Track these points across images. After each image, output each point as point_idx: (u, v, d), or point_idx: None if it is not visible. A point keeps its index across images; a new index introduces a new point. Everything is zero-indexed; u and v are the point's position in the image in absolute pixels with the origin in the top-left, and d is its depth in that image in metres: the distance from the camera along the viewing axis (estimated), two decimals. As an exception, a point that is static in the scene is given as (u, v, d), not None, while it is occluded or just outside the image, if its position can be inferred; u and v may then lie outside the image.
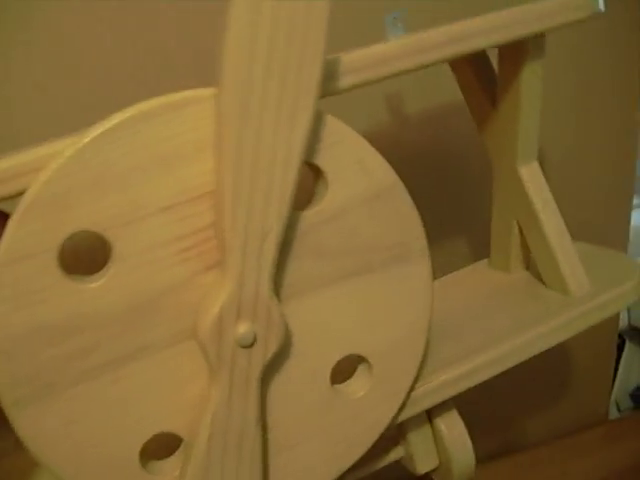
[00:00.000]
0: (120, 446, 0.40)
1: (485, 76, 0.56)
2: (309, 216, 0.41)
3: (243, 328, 0.38)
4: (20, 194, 0.38)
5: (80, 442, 0.39)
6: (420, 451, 0.57)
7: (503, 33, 0.46)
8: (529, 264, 0.63)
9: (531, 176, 0.56)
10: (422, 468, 0.58)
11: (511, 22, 0.46)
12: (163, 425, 0.41)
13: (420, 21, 0.58)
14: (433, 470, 0.59)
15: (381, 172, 0.42)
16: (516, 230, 0.60)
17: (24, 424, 0.38)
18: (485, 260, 0.67)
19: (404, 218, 0.44)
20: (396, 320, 0.45)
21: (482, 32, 0.45)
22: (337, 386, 0.45)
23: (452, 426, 0.55)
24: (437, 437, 0.57)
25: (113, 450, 0.40)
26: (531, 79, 0.51)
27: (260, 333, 0.39)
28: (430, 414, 0.54)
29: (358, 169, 0.42)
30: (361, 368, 0.46)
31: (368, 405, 0.45)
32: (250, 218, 0.37)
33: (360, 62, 0.42)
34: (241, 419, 0.40)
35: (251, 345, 0.39)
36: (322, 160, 0.40)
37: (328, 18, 0.37)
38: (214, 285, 0.39)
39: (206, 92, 0.38)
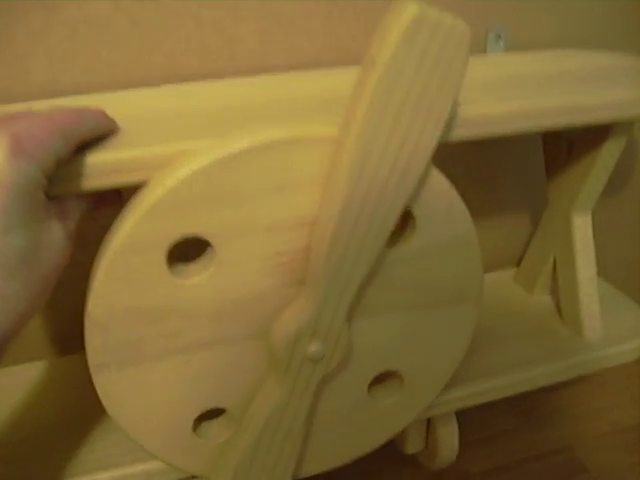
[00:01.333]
0: (179, 414, 0.45)
1: (567, 134, 0.58)
2: (392, 253, 0.44)
3: (315, 347, 0.43)
4: (139, 185, 0.40)
5: (147, 407, 0.44)
6: (412, 435, 0.64)
7: (611, 113, 0.48)
8: (551, 289, 0.67)
9: (582, 226, 0.59)
10: (410, 449, 0.65)
11: (618, 104, 0.48)
12: (219, 402, 0.46)
13: (520, 38, 0.60)
14: (419, 451, 0.66)
15: (462, 220, 0.46)
16: (551, 263, 0.64)
17: (104, 385, 0.43)
18: (511, 272, 0.71)
19: (471, 265, 0.47)
20: (437, 349, 0.50)
21: (597, 109, 0.47)
22: (371, 394, 0.50)
23: (446, 422, 0.62)
24: (430, 427, 0.64)
25: (173, 417, 0.45)
26: (613, 149, 0.54)
27: (327, 352, 0.44)
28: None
29: (445, 217, 0.45)
30: (394, 381, 0.51)
31: (393, 411, 0.51)
32: (345, 256, 0.41)
33: (476, 119, 0.44)
34: (293, 416, 0.45)
35: (317, 361, 0.43)
36: (416, 206, 0.43)
37: (457, 92, 0.39)
38: (296, 298, 0.43)
39: (331, 132, 0.40)
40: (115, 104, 0.48)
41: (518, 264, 0.72)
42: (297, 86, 0.54)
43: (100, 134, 0.40)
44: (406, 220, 0.44)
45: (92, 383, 0.43)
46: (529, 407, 0.76)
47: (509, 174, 0.71)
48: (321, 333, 0.43)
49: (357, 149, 0.38)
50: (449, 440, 0.64)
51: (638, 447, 0.75)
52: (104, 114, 0.42)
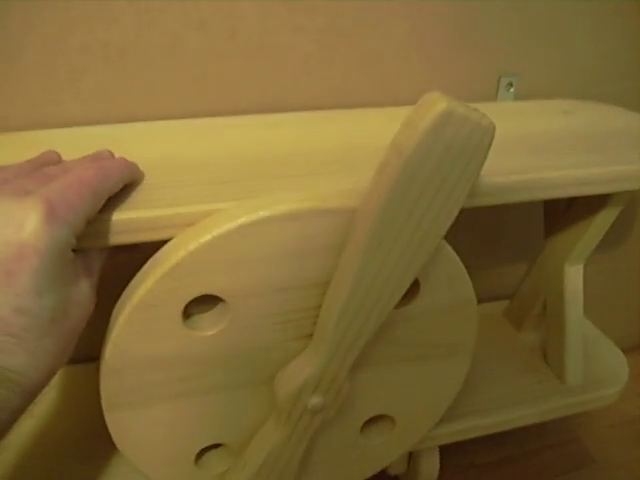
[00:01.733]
0: (183, 449, 0.48)
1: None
2: (395, 313, 0.46)
3: (316, 400, 0.45)
4: (164, 241, 0.42)
5: (154, 442, 0.47)
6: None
7: (612, 186, 0.50)
8: (537, 327, 0.71)
9: (574, 276, 0.62)
10: (393, 471, 0.69)
11: (620, 179, 0.50)
12: (220, 439, 0.49)
13: (534, 88, 0.61)
14: (402, 474, 0.70)
15: (463, 288, 0.48)
16: (540, 304, 0.67)
17: (115, 422, 0.45)
18: (502, 304, 0.74)
19: (467, 325, 0.50)
20: (428, 396, 0.53)
21: (602, 182, 0.49)
22: (363, 433, 0.53)
23: (429, 453, 0.66)
24: (413, 454, 0.68)
25: (177, 451, 0.48)
26: (610, 212, 0.56)
27: (327, 404, 0.46)
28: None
29: (447, 282, 0.47)
30: (385, 422, 0.54)
31: (383, 449, 0.55)
32: (355, 318, 0.43)
33: (485, 190, 0.46)
34: (289, 457, 0.48)
35: (317, 412, 0.46)
36: (421, 274, 0.45)
37: (475, 180, 0.41)
38: (301, 350, 0.46)
39: (348, 204, 0.42)
40: (132, 142, 0.50)
41: (509, 298, 0.75)
42: (315, 132, 0.55)
43: (126, 183, 0.42)
44: (412, 284, 0.46)
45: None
46: None
47: (505, 214, 0.73)
48: (323, 387, 0.45)
49: (377, 226, 0.39)
50: (430, 470, 0.67)
51: (644, 438, 0.78)
52: (128, 165, 0.43)
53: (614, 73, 0.69)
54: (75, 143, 0.51)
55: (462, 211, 0.43)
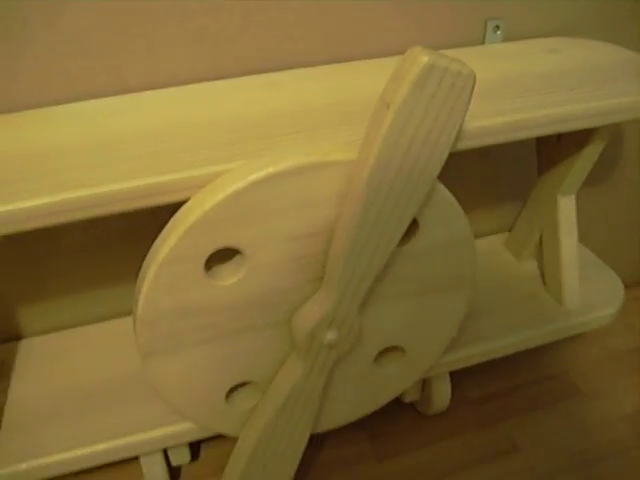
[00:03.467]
0: (214, 389, 0.53)
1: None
2: (398, 251, 0.51)
3: (331, 335, 0.50)
4: (181, 203, 0.46)
5: (187, 385, 0.52)
6: (409, 388, 0.73)
7: (596, 121, 0.53)
8: (536, 256, 0.75)
9: (567, 207, 0.66)
10: (407, 399, 0.74)
11: (602, 113, 0.53)
12: (247, 377, 0.54)
13: (521, 29, 0.64)
14: (415, 400, 0.75)
15: (460, 226, 0.52)
16: (537, 236, 0.71)
17: (152, 369, 0.50)
18: (502, 237, 0.78)
19: (467, 260, 0.54)
20: (435, 327, 0.57)
21: (580, 119, 0.53)
22: (377, 364, 0.58)
23: (441, 379, 0.71)
24: (425, 382, 0.73)
25: (209, 392, 0.53)
26: (597, 144, 0.59)
27: (341, 338, 0.51)
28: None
29: (445, 223, 0.51)
30: (396, 353, 0.59)
31: (395, 378, 0.60)
32: (360, 260, 0.47)
33: (475, 132, 0.50)
34: (311, 389, 0.53)
35: (333, 347, 0.51)
36: (420, 216, 0.49)
37: (460, 126, 0.44)
38: (314, 292, 0.50)
39: (347, 156, 0.46)
40: (138, 112, 0.53)
41: (509, 230, 0.79)
42: (311, 88, 0.58)
43: None
44: (411, 223, 0.50)
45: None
46: None
47: (501, 154, 0.76)
48: (337, 323, 0.50)
49: (373, 174, 0.43)
50: (442, 395, 0.73)
51: (631, 371, 0.84)
52: None
53: (600, 11, 0.70)
54: (81, 117, 0.54)
55: (460, 155, 0.47)
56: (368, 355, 0.57)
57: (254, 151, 0.47)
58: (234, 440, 0.59)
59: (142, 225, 0.65)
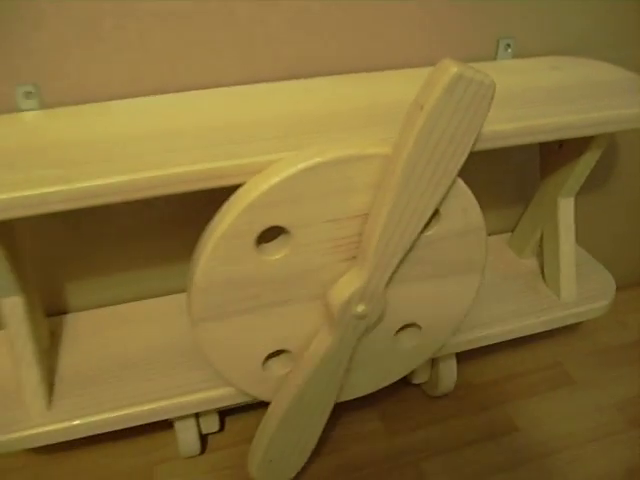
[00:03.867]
0: (254, 355, 0.60)
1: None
2: (421, 237, 0.58)
3: (361, 308, 0.57)
4: (236, 187, 0.53)
5: (231, 349, 0.59)
6: (418, 369, 0.80)
7: (594, 130, 0.61)
8: (537, 254, 0.82)
9: (566, 208, 0.74)
10: (417, 379, 0.81)
11: (600, 123, 0.61)
12: (283, 345, 0.61)
13: (528, 48, 0.72)
14: (423, 382, 0.83)
15: (475, 216, 0.59)
16: (538, 235, 0.79)
17: (202, 334, 0.57)
18: (506, 236, 0.86)
19: (478, 247, 0.61)
20: (449, 306, 0.65)
21: (581, 127, 0.61)
22: (396, 337, 0.65)
23: (448, 360, 0.78)
24: (434, 363, 0.80)
25: (249, 357, 0.60)
26: (595, 150, 0.67)
27: (369, 312, 0.58)
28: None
29: (461, 214, 0.59)
30: (414, 329, 0.66)
31: (412, 353, 0.67)
32: (390, 241, 0.54)
33: (490, 135, 0.57)
34: (340, 357, 0.60)
35: (362, 318, 0.58)
36: (442, 206, 0.57)
37: (481, 128, 0.52)
38: (346, 271, 0.58)
39: (382, 150, 0.53)
40: (196, 109, 0.61)
41: (512, 230, 0.86)
42: (346, 92, 0.66)
43: None
44: (433, 214, 0.58)
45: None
46: None
47: (509, 158, 0.84)
48: (367, 297, 0.57)
49: (406, 167, 0.51)
50: (449, 377, 0.80)
51: (620, 363, 0.91)
52: None
53: (604, 33, 0.79)
54: (145, 111, 0.62)
55: (471, 161, 0.54)
56: (389, 330, 0.64)
57: (301, 144, 0.54)
58: (255, 416, 0.66)
59: (183, 215, 0.72)
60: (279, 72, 0.68)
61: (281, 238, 0.56)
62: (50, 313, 0.75)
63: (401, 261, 0.58)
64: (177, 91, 0.65)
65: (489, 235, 0.88)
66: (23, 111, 0.63)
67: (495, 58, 0.74)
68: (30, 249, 0.70)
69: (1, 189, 0.49)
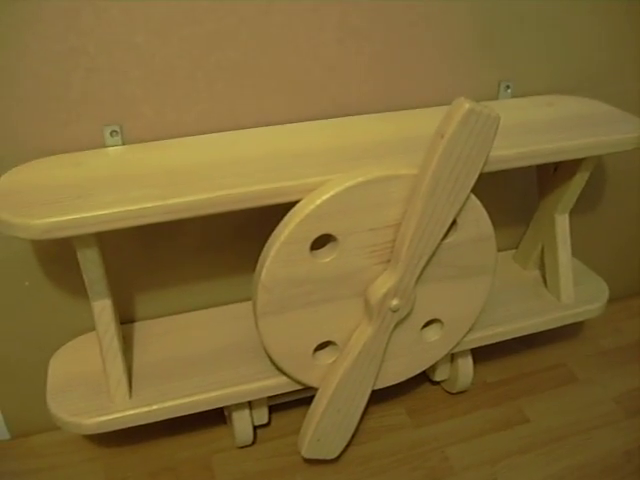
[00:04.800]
0: (305, 345, 0.72)
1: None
2: (441, 244, 0.71)
3: (395, 302, 0.70)
4: (294, 203, 0.66)
5: (287, 339, 0.71)
6: (440, 367, 0.92)
7: (583, 153, 0.75)
8: (539, 266, 0.95)
9: (562, 223, 0.87)
10: (438, 377, 0.93)
11: (587, 147, 0.75)
12: (330, 337, 0.73)
13: (525, 88, 0.86)
14: (443, 380, 0.94)
15: (486, 226, 0.72)
16: (539, 248, 0.91)
17: (265, 326, 0.69)
18: (511, 252, 0.99)
19: (489, 252, 0.74)
20: (467, 304, 0.77)
21: (571, 151, 0.74)
22: (422, 332, 0.77)
23: (464, 355, 0.90)
24: (453, 361, 0.92)
25: (301, 346, 0.72)
26: (584, 171, 0.81)
27: (401, 305, 0.70)
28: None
29: (475, 223, 0.71)
30: (437, 325, 0.78)
31: (435, 346, 0.79)
32: (418, 246, 0.67)
33: (495, 160, 0.70)
34: (377, 346, 0.72)
35: (396, 311, 0.70)
36: (459, 217, 0.70)
37: (489, 152, 0.65)
38: (382, 272, 0.70)
39: (411, 172, 0.66)
40: (248, 143, 0.74)
41: (516, 247, 0.99)
42: (377, 128, 0.80)
43: None
44: (452, 224, 0.71)
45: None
46: (532, 334, 0.93)
47: (512, 185, 0.98)
48: (400, 293, 0.70)
49: (430, 184, 0.64)
50: (466, 375, 0.91)
51: (618, 364, 1.03)
52: None
53: (594, 73, 0.93)
54: (210, 145, 0.75)
55: (478, 187, 0.67)
56: (416, 325, 0.76)
57: (345, 168, 0.67)
58: (298, 412, 0.80)
59: (241, 235, 0.85)
60: (318, 112, 0.82)
61: (330, 245, 0.69)
62: (121, 321, 0.86)
63: (426, 264, 0.70)
64: (236, 129, 0.79)
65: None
66: (108, 147, 0.76)
67: (497, 98, 0.88)
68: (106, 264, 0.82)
69: (107, 206, 0.62)
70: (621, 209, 1.10)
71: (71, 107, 0.72)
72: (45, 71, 0.69)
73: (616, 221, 1.11)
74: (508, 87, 0.88)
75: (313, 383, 0.76)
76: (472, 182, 0.66)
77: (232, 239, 0.85)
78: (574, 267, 0.91)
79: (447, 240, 0.71)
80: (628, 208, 1.10)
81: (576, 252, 0.95)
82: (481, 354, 0.95)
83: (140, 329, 0.86)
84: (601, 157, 0.99)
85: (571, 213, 0.88)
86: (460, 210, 0.69)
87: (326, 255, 0.68)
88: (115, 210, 0.62)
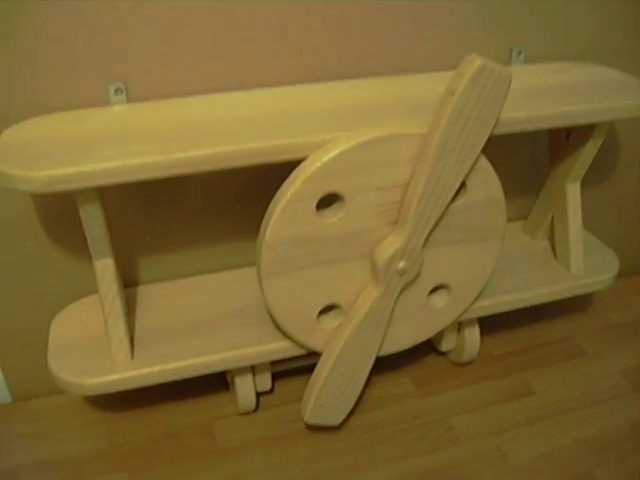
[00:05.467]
0: (310, 307, 0.71)
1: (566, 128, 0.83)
2: (450, 207, 0.69)
3: (402, 264, 0.68)
4: (299, 160, 0.65)
5: (292, 301, 0.70)
6: (446, 336, 0.91)
7: (596, 118, 0.73)
8: (549, 237, 0.94)
9: (573, 192, 0.85)
10: (444, 347, 0.92)
11: (600, 112, 0.73)
12: (335, 299, 0.72)
13: (537, 55, 0.84)
14: (449, 351, 0.93)
15: (495, 189, 0.71)
16: (549, 218, 0.90)
17: (269, 286, 0.68)
18: (520, 223, 0.98)
19: (498, 216, 0.73)
20: (474, 269, 0.75)
21: (584, 115, 0.72)
22: (429, 298, 0.76)
23: (472, 326, 0.89)
24: (460, 331, 0.90)
25: (306, 309, 0.71)
26: (597, 138, 0.79)
27: (408, 268, 0.69)
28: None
29: (484, 186, 0.70)
30: (444, 290, 0.77)
31: (442, 312, 0.77)
32: (426, 207, 0.66)
33: (507, 121, 0.69)
34: (383, 310, 0.71)
35: (403, 274, 0.69)
36: (468, 179, 0.68)
37: (500, 111, 0.64)
38: (389, 233, 0.69)
39: (419, 130, 0.65)
40: (260, 103, 0.73)
41: (525, 218, 0.98)
42: (385, 90, 0.78)
43: None
44: (461, 186, 0.69)
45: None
46: (540, 307, 0.94)
47: (522, 154, 0.96)
48: (407, 255, 0.68)
49: (439, 143, 0.62)
50: (473, 345, 0.90)
51: (626, 338, 1.02)
52: None
53: (607, 41, 0.91)
54: (217, 104, 0.73)
55: (489, 157, 0.65)
56: (423, 290, 0.75)
57: (353, 127, 0.66)
58: (301, 380, 0.79)
59: (245, 200, 0.84)
60: (324, 74, 0.80)
61: (337, 204, 0.67)
62: (125, 285, 0.86)
63: (434, 226, 0.69)
64: (241, 90, 0.77)
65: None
66: (113, 105, 0.75)
67: (509, 63, 0.86)
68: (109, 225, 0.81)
69: (110, 159, 0.61)
70: (633, 184, 1.08)
71: (75, 64, 0.71)
72: (49, 27, 0.68)
73: (627, 196, 1.09)
74: (520, 53, 0.86)
75: (317, 347, 0.75)
76: (482, 142, 0.65)
77: (236, 203, 0.84)
78: (584, 239, 0.89)
79: (456, 203, 0.70)
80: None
81: (587, 226, 0.93)
82: (488, 326, 0.94)
83: (143, 292, 0.85)
84: (613, 126, 0.97)
85: (582, 187, 0.87)
86: (469, 171, 0.67)
87: (332, 215, 0.67)
88: (117, 164, 0.61)
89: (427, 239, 0.70)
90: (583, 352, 0.98)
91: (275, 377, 0.88)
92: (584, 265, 0.87)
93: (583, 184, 0.87)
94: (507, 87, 0.62)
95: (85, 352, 0.75)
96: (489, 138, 0.66)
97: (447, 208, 0.69)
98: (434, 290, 0.76)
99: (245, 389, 0.82)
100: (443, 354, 0.96)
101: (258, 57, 0.77)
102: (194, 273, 0.88)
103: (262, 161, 0.64)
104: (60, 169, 0.59)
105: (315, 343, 0.74)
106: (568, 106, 0.72)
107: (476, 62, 0.60)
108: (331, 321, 0.74)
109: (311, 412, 0.77)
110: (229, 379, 0.85)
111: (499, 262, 0.82)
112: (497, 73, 0.61)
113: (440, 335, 0.89)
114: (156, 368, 0.74)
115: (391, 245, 0.68)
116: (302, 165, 0.64)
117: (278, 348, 0.77)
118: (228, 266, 0.89)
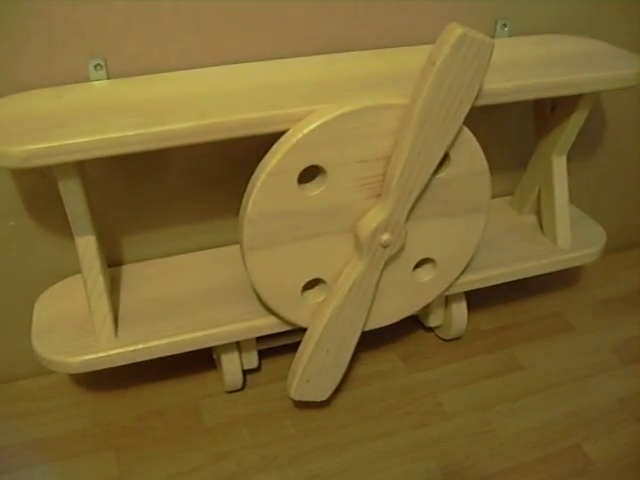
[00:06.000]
0: (294, 282, 0.71)
1: (551, 100, 0.83)
2: (434, 179, 0.69)
3: (386, 237, 0.68)
4: (280, 133, 0.64)
5: (275, 276, 0.69)
6: (434, 312, 0.90)
7: (581, 88, 0.72)
8: (535, 211, 0.93)
9: (559, 165, 0.84)
10: (431, 323, 0.91)
11: (585, 82, 0.72)
12: (319, 274, 0.71)
13: (523, 28, 0.83)
14: (437, 326, 0.93)
15: (480, 161, 0.70)
16: (536, 191, 0.89)
17: (252, 261, 0.68)
18: (507, 198, 0.97)
19: (483, 189, 0.72)
20: (460, 243, 0.75)
21: (569, 86, 0.72)
22: (415, 272, 0.76)
23: (459, 301, 0.88)
24: (447, 306, 0.90)
25: (290, 284, 0.71)
26: (582, 110, 0.78)
27: (392, 240, 0.69)
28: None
29: (468, 158, 0.69)
30: (430, 264, 0.76)
31: (428, 287, 0.77)
32: (409, 179, 0.65)
33: (491, 92, 0.68)
34: (368, 283, 0.71)
35: (387, 246, 0.69)
36: (451, 150, 0.68)
37: (482, 81, 0.63)
38: (372, 207, 0.68)
39: (401, 101, 0.64)
40: (242, 75, 0.72)
41: (512, 193, 0.97)
42: (367, 64, 0.77)
43: None
44: (444, 158, 0.69)
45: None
46: (528, 283, 0.94)
47: (508, 128, 0.96)
48: (390, 228, 0.68)
49: (421, 113, 0.62)
50: (460, 320, 0.90)
51: (613, 313, 1.02)
52: None
53: (591, 13, 0.90)
54: (199, 79, 0.73)
55: (474, 132, 0.64)
56: (408, 264, 0.74)
57: (334, 98, 0.65)
58: (288, 358, 0.77)
59: (229, 177, 0.83)
60: (307, 49, 0.79)
61: (319, 177, 0.67)
62: (109, 264, 0.85)
63: (418, 199, 0.68)
64: (223, 64, 0.76)
65: (492, 198, 0.98)
66: (93, 81, 0.74)
67: (493, 36, 0.86)
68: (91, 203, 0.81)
69: (88, 133, 0.60)
70: (619, 159, 1.08)
71: (53, 39, 0.70)
72: (25, 2, 0.66)
73: (615, 171, 1.09)
74: (505, 25, 0.86)
75: (302, 323, 0.74)
76: (465, 112, 0.64)
77: (219, 180, 0.83)
78: (571, 213, 0.89)
79: (439, 175, 0.69)
80: (627, 158, 1.08)
81: (574, 201, 0.93)
82: (476, 301, 0.94)
83: (128, 271, 0.85)
84: (600, 99, 0.97)
85: (569, 162, 0.86)
86: (453, 142, 0.67)
87: (314, 188, 0.66)
88: (95, 137, 0.60)
89: (411, 212, 0.69)
90: (571, 327, 0.99)
91: (262, 355, 0.88)
92: (571, 239, 0.87)
93: (570, 159, 0.86)
94: (489, 56, 0.62)
95: (69, 331, 0.75)
96: (475, 110, 0.65)
97: (430, 180, 0.68)
98: (419, 264, 0.76)
99: (232, 367, 0.82)
100: (431, 330, 0.95)
101: (239, 31, 0.76)
102: (180, 252, 0.87)
103: (244, 134, 0.63)
104: (38, 144, 0.58)
105: (300, 318, 0.74)
106: (555, 77, 0.72)
107: (457, 31, 0.59)
108: (315, 296, 0.74)
109: (297, 388, 0.77)
110: (215, 357, 0.85)
111: (486, 236, 0.82)
112: (479, 42, 0.60)
113: (427, 311, 0.89)
114: (140, 345, 0.73)
115: (374, 218, 0.68)
116: (283, 137, 0.64)
117: (263, 324, 0.76)
118: (213, 244, 0.88)
